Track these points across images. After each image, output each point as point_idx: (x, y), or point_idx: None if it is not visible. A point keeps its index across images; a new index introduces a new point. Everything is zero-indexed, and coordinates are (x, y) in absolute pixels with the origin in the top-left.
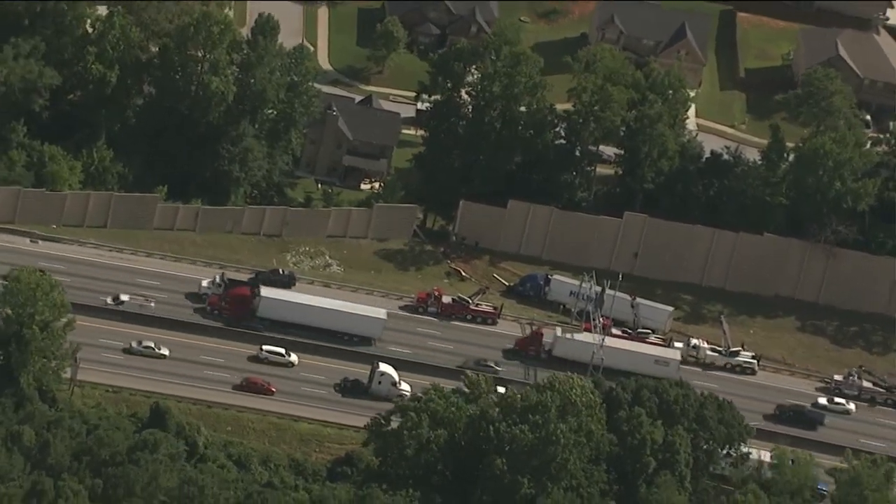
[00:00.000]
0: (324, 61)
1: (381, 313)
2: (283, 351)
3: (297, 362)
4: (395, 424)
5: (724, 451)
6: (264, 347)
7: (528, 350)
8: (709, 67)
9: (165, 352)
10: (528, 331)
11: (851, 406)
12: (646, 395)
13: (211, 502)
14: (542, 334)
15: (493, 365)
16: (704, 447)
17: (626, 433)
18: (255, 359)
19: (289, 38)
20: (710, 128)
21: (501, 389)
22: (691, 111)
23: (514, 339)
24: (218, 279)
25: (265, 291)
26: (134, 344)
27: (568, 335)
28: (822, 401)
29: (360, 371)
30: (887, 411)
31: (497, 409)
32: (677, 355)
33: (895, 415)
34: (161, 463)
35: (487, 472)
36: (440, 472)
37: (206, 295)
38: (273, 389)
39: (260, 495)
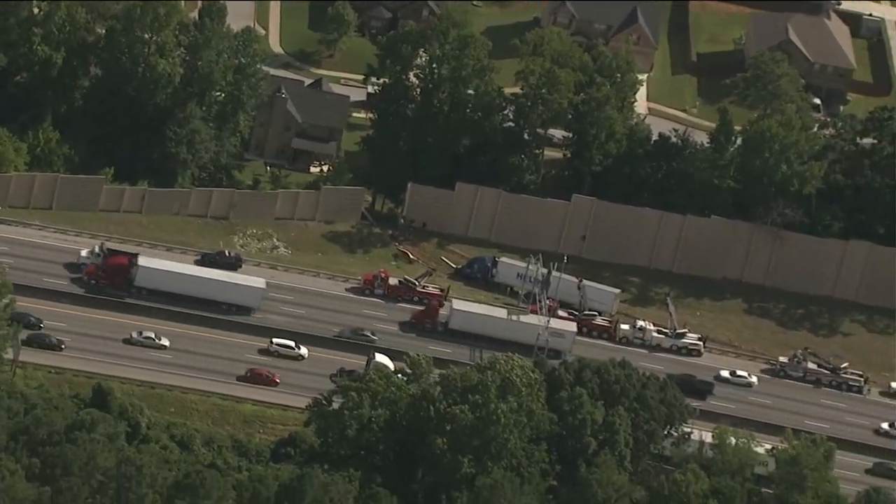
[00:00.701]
0: (275, 45)
1: (259, 283)
2: (293, 344)
3: (307, 355)
4: (337, 405)
5: (666, 431)
6: (274, 340)
7: (425, 323)
8: (661, 52)
9: (166, 342)
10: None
11: (753, 379)
12: (587, 375)
13: (149, 482)
14: (437, 308)
15: (369, 334)
16: (645, 427)
17: (567, 413)
18: (265, 352)
19: (241, 21)
20: (661, 112)
21: (383, 358)
22: (642, 95)
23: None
24: (97, 249)
25: (142, 260)
26: (134, 334)
27: (464, 307)
28: (725, 373)
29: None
30: (797, 386)
31: (438, 389)
32: (573, 327)
33: (798, 388)
34: (99, 443)
35: (428, 451)
36: (382, 452)
37: (85, 265)
38: (278, 381)
39: (199, 475)
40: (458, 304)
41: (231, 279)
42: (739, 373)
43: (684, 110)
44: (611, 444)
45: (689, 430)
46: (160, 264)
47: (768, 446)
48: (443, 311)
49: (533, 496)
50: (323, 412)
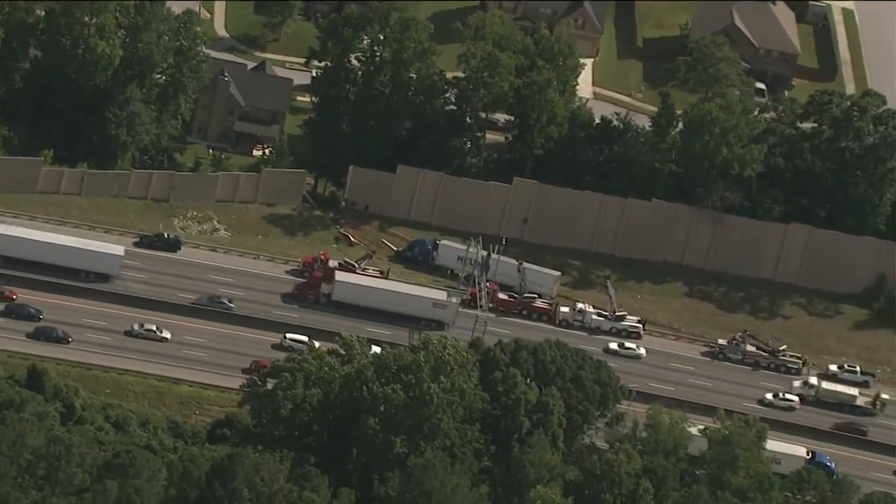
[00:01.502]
0: (220, 28)
1: (118, 250)
2: (306, 338)
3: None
4: (271, 386)
5: (600, 412)
6: (288, 336)
7: (307, 295)
8: (606, 36)
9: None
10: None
11: (642, 351)
12: (523, 356)
13: (78, 461)
14: (320, 279)
15: (226, 301)
16: (580, 408)
17: (501, 394)
18: (279, 347)
19: (186, 5)
20: (606, 96)
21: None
22: (588, 79)
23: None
24: None
25: None
26: (136, 326)
27: (347, 279)
28: (613, 346)
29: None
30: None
31: (371, 370)
32: (454, 299)
33: (685, 359)
34: (28, 422)
35: (361, 431)
36: (316, 432)
37: None
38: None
39: (128, 454)
40: (340, 276)
41: (87, 246)
42: (628, 345)
43: (630, 95)
44: (544, 424)
45: (623, 409)
46: (13, 231)
47: (701, 426)
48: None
49: (465, 476)
50: (256, 392)
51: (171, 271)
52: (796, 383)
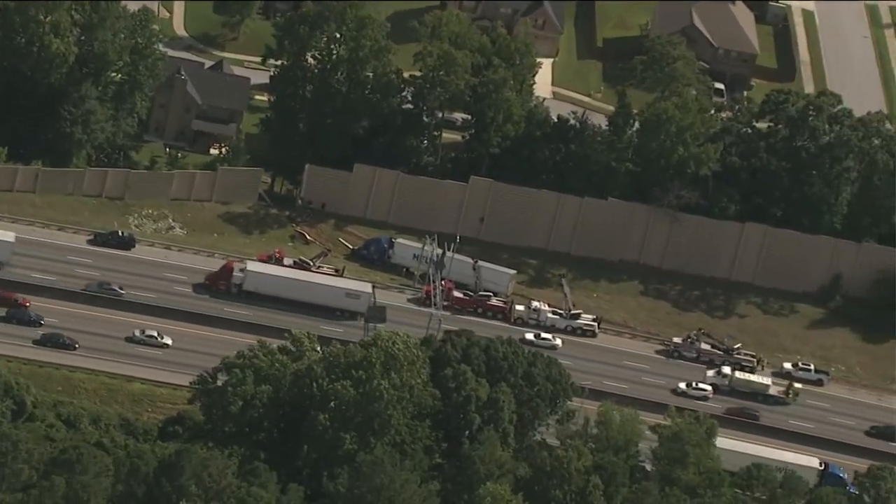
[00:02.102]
0: (179, 28)
1: (9, 236)
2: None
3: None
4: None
5: (551, 409)
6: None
7: (219, 285)
8: (566, 36)
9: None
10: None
11: (558, 342)
12: (475, 352)
13: (24, 457)
14: (231, 269)
15: (116, 288)
16: (531, 404)
17: (452, 390)
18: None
19: (144, 3)
20: (566, 96)
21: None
22: (547, 79)
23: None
24: None
25: None
26: (137, 333)
27: (258, 268)
28: (529, 336)
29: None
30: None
31: (321, 366)
32: (368, 288)
33: (639, 357)
34: None
35: (311, 428)
36: (266, 428)
37: None
38: None
39: (75, 450)
40: (252, 266)
41: None
42: (544, 335)
43: (589, 95)
44: (495, 420)
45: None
46: None
47: (652, 423)
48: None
49: (416, 472)
50: (207, 389)
51: (123, 269)
52: (710, 373)
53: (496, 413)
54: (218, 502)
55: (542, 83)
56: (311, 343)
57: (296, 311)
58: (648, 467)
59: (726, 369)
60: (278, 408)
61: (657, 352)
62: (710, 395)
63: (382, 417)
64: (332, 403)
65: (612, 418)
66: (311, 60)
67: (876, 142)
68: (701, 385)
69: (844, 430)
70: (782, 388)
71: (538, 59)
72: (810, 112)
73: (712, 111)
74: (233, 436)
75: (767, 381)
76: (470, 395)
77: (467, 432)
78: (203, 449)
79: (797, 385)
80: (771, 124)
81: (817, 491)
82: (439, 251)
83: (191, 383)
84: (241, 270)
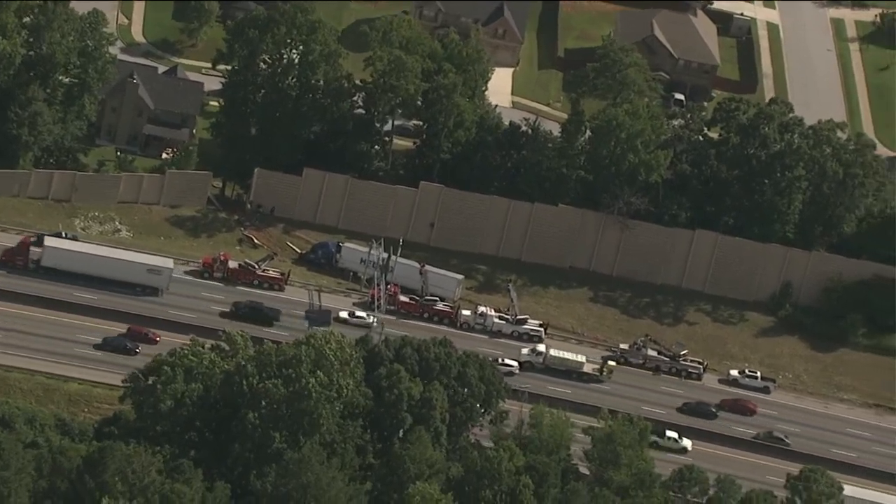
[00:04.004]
0: (138, 34)
1: None
2: None
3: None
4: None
5: (483, 409)
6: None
7: (16, 261)
8: (528, 46)
9: None
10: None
11: (372, 320)
12: (408, 352)
13: None
14: (28, 244)
15: None
16: (464, 404)
17: (385, 389)
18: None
19: (106, 10)
20: (525, 105)
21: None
22: (507, 88)
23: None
24: None
25: None
26: None
27: (56, 244)
28: (344, 314)
29: None
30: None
31: (253, 364)
32: (170, 263)
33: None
34: None
35: (241, 426)
36: (198, 427)
37: None
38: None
39: None
40: (50, 241)
41: None
42: (358, 313)
43: (548, 104)
44: (427, 420)
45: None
46: None
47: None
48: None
49: (344, 471)
50: (138, 387)
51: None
52: (524, 350)
53: (428, 412)
54: (142, 499)
55: (502, 92)
56: (245, 342)
57: (97, 286)
58: (584, 469)
59: (541, 347)
60: (209, 406)
61: (604, 357)
62: (517, 372)
63: (311, 416)
64: (263, 402)
65: (542, 420)
66: (261, 65)
67: (827, 150)
68: (507, 361)
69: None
70: (597, 366)
71: (497, 68)
72: (761, 120)
73: (664, 118)
74: (164, 434)
75: (581, 358)
76: (402, 395)
77: (401, 432)
78: (128, 446)
79: (612, 363)
80: (722, 132)
81: (749, 495)
82: (384, 255)
83: (122, 381)
84: (39, 246)
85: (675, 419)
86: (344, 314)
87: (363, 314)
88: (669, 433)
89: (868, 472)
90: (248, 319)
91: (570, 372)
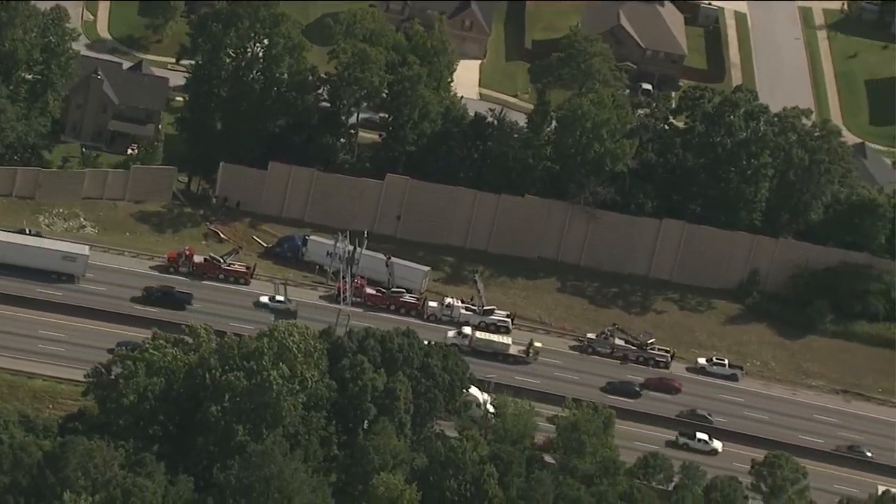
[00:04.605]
0: (103, 31)
1: None
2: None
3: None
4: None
5: (448, 399)
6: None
7: None
8: (495, 38)
9: None
10: None
11: (293, 304)
12: (370, 343)
13: None
14: None
15: None
16: (428, 395)
17: (349, 381)
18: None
19: (70, 7)
20: (493, 97)
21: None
22: (474, 80)
23: None
24: None
25: None
26: None
27: None
28: (264, 299)
29: None
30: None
31: (215, 357)
32: (86, 250)
33: (553, 353)
34: None
35: (204, 419)
36: (161, 421)
37: None
38: None
39: None
40: None
41: None
42: (278, 297)
43: (516, 95)
44: (391, 410)
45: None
46: None
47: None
48: None
49: (309, 463)
50: (101, 382)
51: None
52: (450, 334)
53: (392, 403)
54: (104, 493)
55: (470, 84)
56: (208, 335)
57: (11, 274)
58: (549, 458)
59: (466, 329)
60: (172, 400)
61: (571, 347)
62: None
63: (273, 408)
64: (225, 395)
65: (506, 409)
66: (225, 59)
67: (792, 137)
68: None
69: (755, 424)
70: (522, 348)
71: (464, 60)
72: (726, 108)
73: (629, 108)
74: (128, 429)
75: (508, 340)
76: (366, 386)
77: (365, 423)
78: (89, 440)
79: (537, 344)
80: (688, 121)
81: (713, 481)
82: (350, 248)
83: (85, 376)
84: None
85: (598, 398)
86: (264, 299)
87: (282, 298)
88: (700, 435)
89: (833, 457)
90: (160, 304)
91: (496, 354)
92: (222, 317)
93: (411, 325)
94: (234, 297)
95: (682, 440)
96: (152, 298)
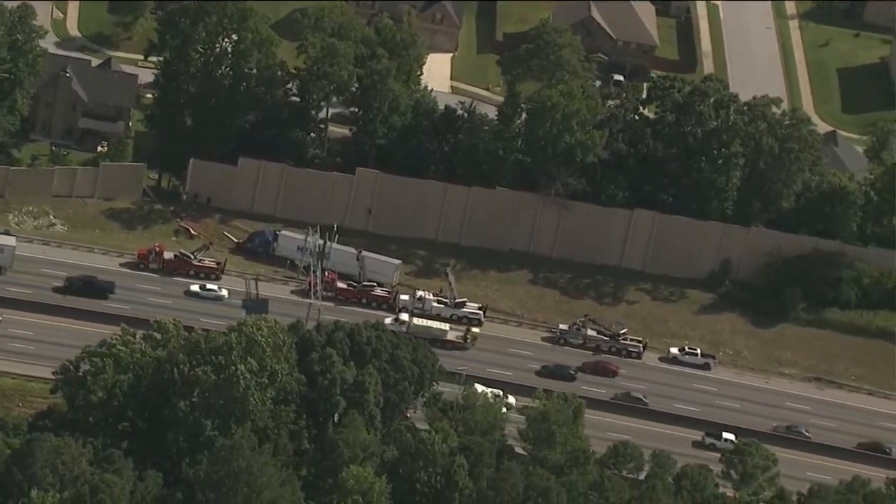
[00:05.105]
0: (73, 28)
1: None
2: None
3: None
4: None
5: (417, 392)
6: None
7: None
8: (467, 31)
9: None
10: None
11: (224, 293)
12: (339, 336)
13: None
14: None
15: None
16: (397, 387)
17: (318, 374)
18: None
19: (40, 6)
20: (464, 90)
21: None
22: (446, 73)
23: None
24: None
25: None
26: None
27: None
28: (195, 288)
29: None
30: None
31: (183, 352)
32: (13, 241)
33: (525, 345)
34: None
35: (172, 415)
36: (130, 417)
37: None
38: None
39: None
40: None
41: None
42: (209, 286)
43: (487, 88)
44: (360, 403)
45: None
46: None
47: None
48: None
49: (278, 457)
50: (69, 379)
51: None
52: (388, 320)
53: (362, 396)
54: (72, 490)
55: (441, 77)
56: (178, 330)
57: None
58: (519, 449)
59: (404, 315)
60: (141, 396)
61: (543, 339)
62: None
63: (242, 403)
64: (194, 390)
65: (476, 400)
66: (194, 55)
67: (762, 125)
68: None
69: (729, 413)
70: (460, 334)
71: (435, 53)
72: (696, 98)
73: (598, 98)
74: (97, 425)
75: (445, 326)
76: (335, 379)
77: (335, 416)
78: (58, 437)
79: (475, 330)
80: (658, 111)
81: (683, 469)
82: (320, 242)
83: (53, 373)
84: None
85: (533, 382)
86: (195, 287)
87: (214, 287)
88: (726, 435)
89: (808, 445)
90: (82, 293)
91: (434, 340)
92: (146, 306)
93: (382, 319)
94: (164, 286)
95: (709, 440)
96: (74, 288)
